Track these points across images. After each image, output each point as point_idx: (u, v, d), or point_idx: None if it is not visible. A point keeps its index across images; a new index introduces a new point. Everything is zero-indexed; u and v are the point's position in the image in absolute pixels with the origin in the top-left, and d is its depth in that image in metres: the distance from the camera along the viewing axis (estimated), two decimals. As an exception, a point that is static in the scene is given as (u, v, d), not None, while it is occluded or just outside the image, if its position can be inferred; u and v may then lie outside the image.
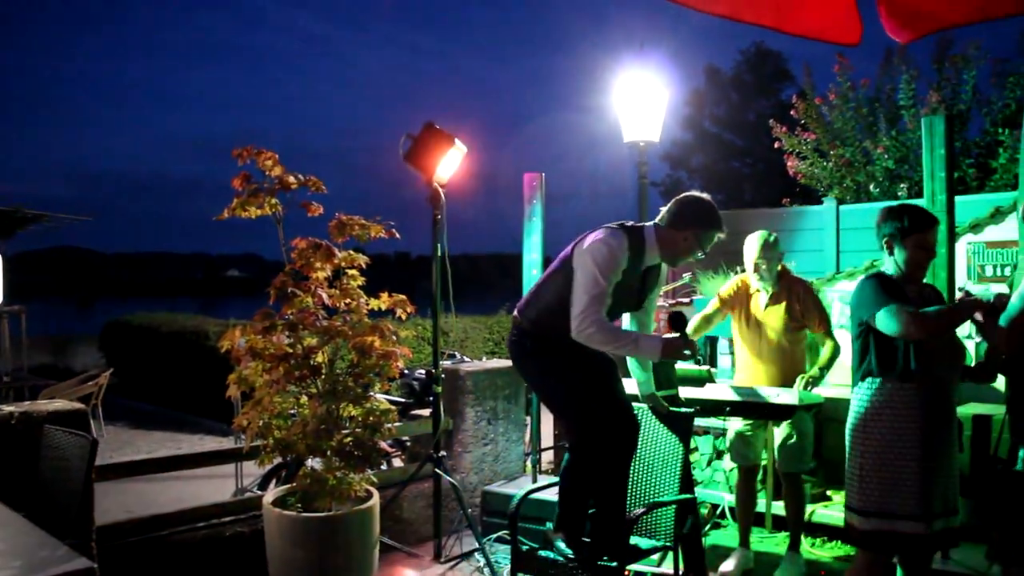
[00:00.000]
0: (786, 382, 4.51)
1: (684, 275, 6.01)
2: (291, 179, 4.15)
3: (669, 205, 3.75)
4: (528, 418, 6.32)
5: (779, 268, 4.64)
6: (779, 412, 4.34)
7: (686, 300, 6.44)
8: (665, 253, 3.72)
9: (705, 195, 3.77)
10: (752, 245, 4.61)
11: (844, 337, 5.29)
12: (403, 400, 7.01)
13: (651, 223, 3.74)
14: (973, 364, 3.86)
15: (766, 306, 4.62)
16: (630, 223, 3.72)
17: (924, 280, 3.51)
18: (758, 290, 4.66)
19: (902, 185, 6.98)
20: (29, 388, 11.00)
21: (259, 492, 6.20)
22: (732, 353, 5.11)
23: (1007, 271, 5.18)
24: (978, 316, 3.27)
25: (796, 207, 7.27)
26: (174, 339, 13.61)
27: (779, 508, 5.08)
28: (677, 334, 3.61)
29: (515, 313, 3.85)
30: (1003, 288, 5.14)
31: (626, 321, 3.99)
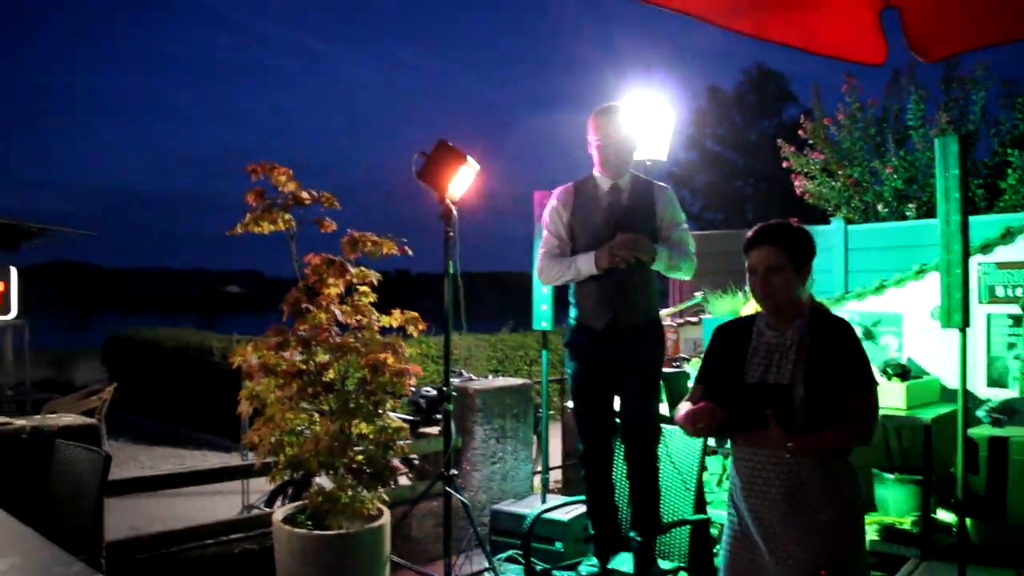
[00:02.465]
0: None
1: (695, 294, 6.00)
2: (304, 195, 4.14)
3: None
4: (536, 437, 6.31)
5: None
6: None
7: (695, 319, 6.43)
8: (600, 166, 3.97)
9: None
10: None
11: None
12: (410, 418, 6.98)
13: None
14: None
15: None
16: None
17: (818, 307, 2.89)
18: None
19: (910, 205, 6.99)
20: (32, 402, 10.96)
21: (266, 509, 6.17)
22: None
23: (1018, 291, 5.17)
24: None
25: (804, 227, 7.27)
26: (177, 354, 13.58)
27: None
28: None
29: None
30: (1015, 308, 5.13)
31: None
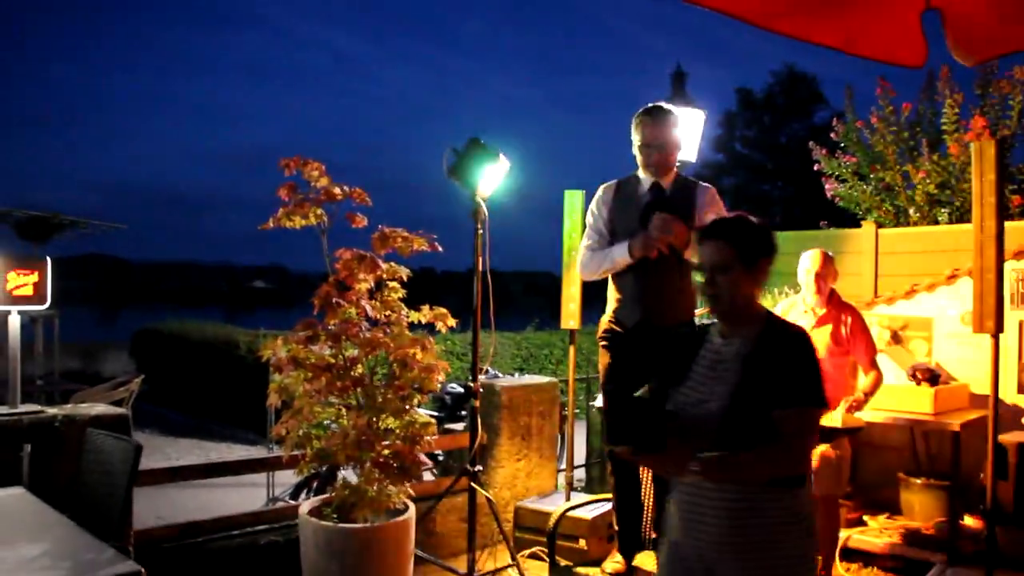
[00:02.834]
0: (831, 405, 4.47)
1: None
2: (337, 190, 4.17)
3: None
4: (560, 435, 6.31)
5: (830, 289, 4.62)
6: (822, 435, 4.30)
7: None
8: (643, 165, 4.02)
9: None
10: (809, 259, 4.61)
11: (886, 362, 5.26)
12: (436, 414, 7.01)
13: None
14: None
15: (812, 328, 4.59)
16: None
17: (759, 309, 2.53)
18: (805, 311, 4.64)
19: (943, 210, 6.92)
20: (60, 392, 11.08)
21: (291, 502, 6.21)
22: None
23: (1051, 298, 5.13)
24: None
25: (835, 230, 7.22)
26: (204, 348, 13.70)
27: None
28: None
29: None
30: None
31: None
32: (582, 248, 4.15)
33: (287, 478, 7.16)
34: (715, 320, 2.51)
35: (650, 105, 4.00)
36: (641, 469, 3.93)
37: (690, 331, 2.66)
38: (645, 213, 3.89)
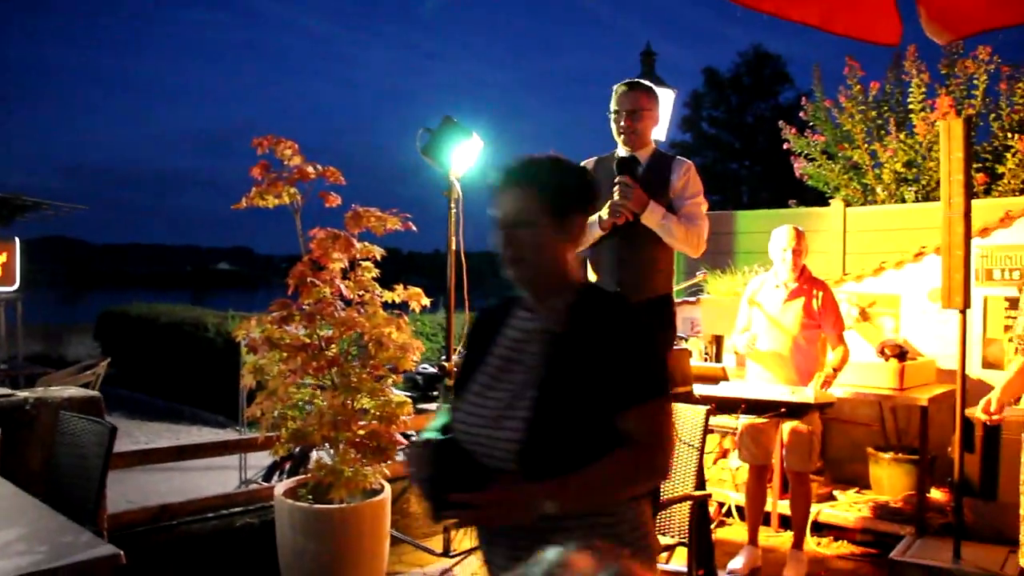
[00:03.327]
0: (801, 380, 4.53)
1: (697, 274, 6.03)
2: (310, 169, 4.14)
3: None
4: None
5: (802, 265, 4.67)
6: (794, 410, 4.36)
7: (693, 299, 6.45)
8: (619, 138, 3.94)
9: None
10: (782, 235, 4.65)
11: (854, 339, 5.33)
12: (408, 394, 6.99)
13: None
14: None
15: (784, 302, 4.64)
16: None
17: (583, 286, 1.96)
18: (777, 286, 4.69)
19: (910, 188, 7.01)
20: (25, 376, 10.93)
21: (264, 484, 6.19)
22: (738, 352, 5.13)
23: (1015, 275, 5.21)
24: None
25: (803, 208, 7.29)
26: (172, 330, 13.58)
27: (785, 507, 5.11)
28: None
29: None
30: (1012, 291, 5.17)
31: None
32: None
33: (259, 460, 7.14)
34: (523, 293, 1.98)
35: (627, 80, 4.00)
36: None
37: (502, 305, 2.06)
38: (614, 178, 3.89)
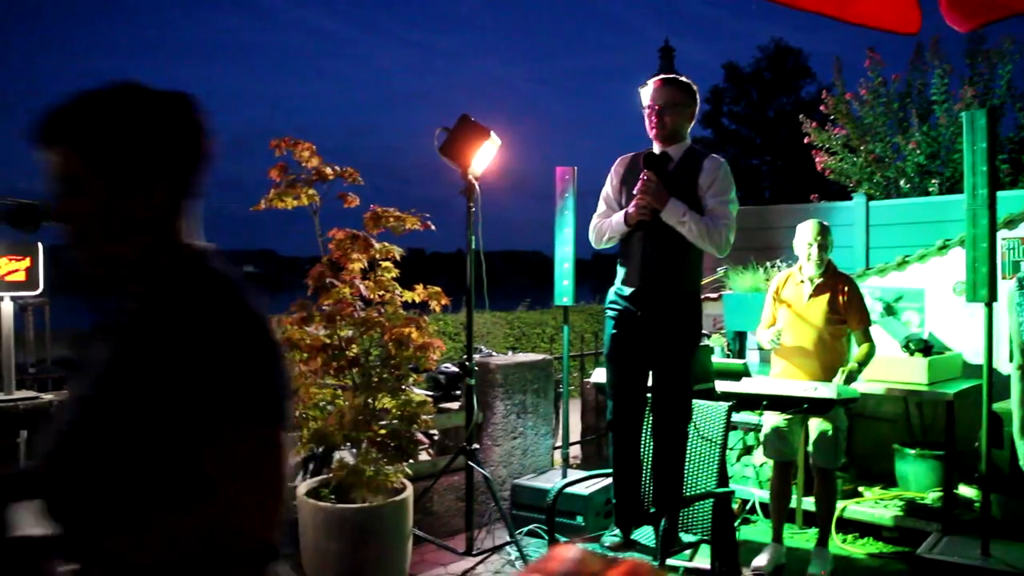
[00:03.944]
0: (825, 376, 4.49)
1: (718, 269, 5.99)
2: (328, 170, 4.15)
3: None
4: (555, 412, 6.32)
5: (827, 259, 4.63)
6: (817, 406, 4.32)
7: (714, 295, 6.42)
8: (652, 134, 3.91)
9: None
10: (807, 230, 4.62)
11: (879, 334, 5.28)
12: (430, 394, 7.00)
13: None
14: None
15: (809, 297, 4.60)
16: None
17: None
18: (802, 281, 4.65)
19: (933, 181, 6.93)
20: (53, 380, 11.03)
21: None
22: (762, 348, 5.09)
23: (1041, 267, 5.15)
24: None
25: (825, 203, 7.22)
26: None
27: (809, 504, 5.06)
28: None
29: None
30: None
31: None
32: (593, 219, 4.11)
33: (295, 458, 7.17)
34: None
35: (659, 75, 4.00)
36: (640, 442, 3.92)
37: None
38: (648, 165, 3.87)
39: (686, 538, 3.85)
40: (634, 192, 3.76)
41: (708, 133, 29.95)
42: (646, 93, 3.94)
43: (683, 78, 3.97)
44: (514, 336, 14.30)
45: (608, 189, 4.07)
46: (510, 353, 6.69)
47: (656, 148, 3.89)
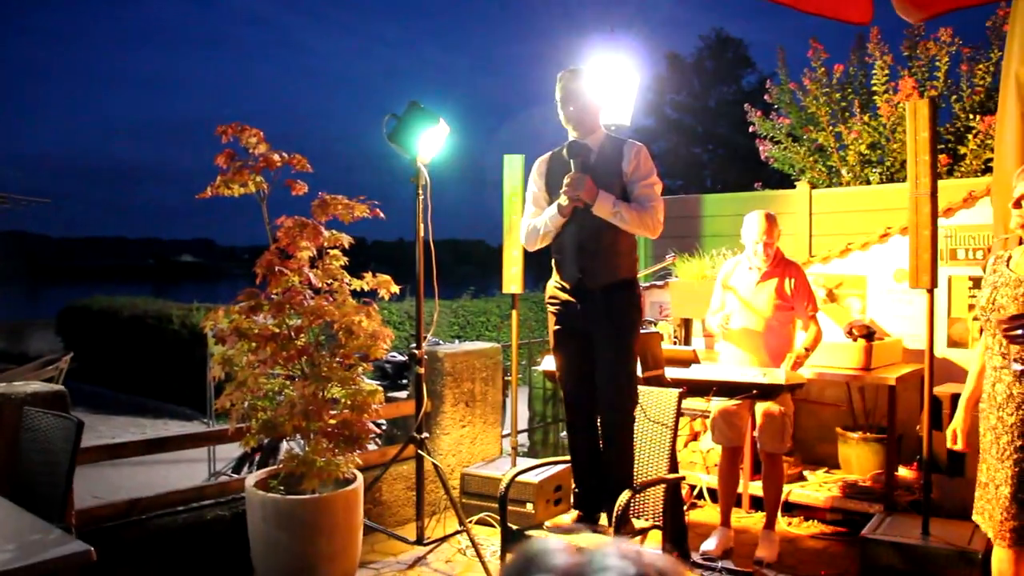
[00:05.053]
0: (773, 361, 4.55)
1: (667, 258, 6.04)
2: (276, 157, 4.07)
3: None
4: (505, 400, 6.33)
5: (776, 248, 4.69)
6: (766, 391, 4.38)
7: (660, 283, 6.47)
8: (565, 125, 3.93)
9: None
10: (753, 223, 4.65)
11: (823, 321, 5.37)
12: (377, 383, 6.96)
13: None
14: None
15: (756, 284, 4.66)
16: None
17: None
18: (750, 268, 4.71)
19: (874, 170, 7.06)
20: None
21: (234, 476, 6.13)
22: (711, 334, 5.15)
23: (979, 254, 5.27)
24: None
25: (768, 191, 7.32)
26: (135, 324, 13.40)
27: (756, 488, 5.15)
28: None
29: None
30: (975, 271, 5.23)
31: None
32: (524, 220, 4.10)
33: (227, 452, 7.07)
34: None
35: (569, 68, 3.97)
36: (595, 428, 3.94)
37: None
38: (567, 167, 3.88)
39: (637, 524, 3.88)
40: (564, 183, 3.76)
41: (651, 122, 30.14)
42: (557, 88, 3.93)
43: (582, 67, 3.97)
44: (459, 324, 14.29)
45: (534, 189, 4.07)
46: (456, 342, 6.68)
47: (574, 138, 3.90)
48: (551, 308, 3.95)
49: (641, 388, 3.98)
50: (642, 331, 4.04)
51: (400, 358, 7.32)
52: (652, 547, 3.98)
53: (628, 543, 0.80)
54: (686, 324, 6.05)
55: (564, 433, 6.35)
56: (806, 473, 5.48)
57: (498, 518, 4.98)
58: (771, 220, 4.66)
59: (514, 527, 4.05)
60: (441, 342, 7.43)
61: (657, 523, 3.88)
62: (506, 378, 6.33)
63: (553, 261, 4.00)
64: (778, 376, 4.32)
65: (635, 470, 3.95)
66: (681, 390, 4.04)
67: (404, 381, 7.22)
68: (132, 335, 13.30)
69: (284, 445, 5.77)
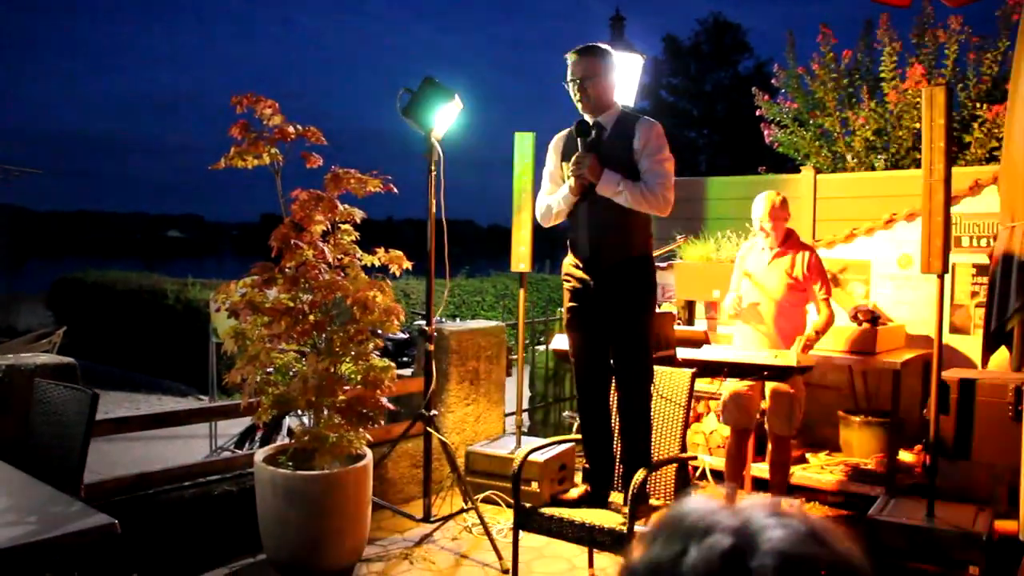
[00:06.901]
0: (784, 343, 4.57)
1: (677, 239, 6.04)
2: (291, 129, 4.04)
3: None
4: (509, 379, 6.33)
5: (786, 229, 4.69)
6: (776, 373, 4.39)
7: (663, 264, 6.47)
8: (581, 105, 3.89)
9: None
10: (760, 206, 4.66)
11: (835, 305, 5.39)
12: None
13: None
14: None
15: (768, 264, 4.67)
16: None
17: None
18: (763, 249, 4.72)
19: (879, 157, 7.05)
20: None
21: (237, 451, 6.12)
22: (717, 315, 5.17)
23: (983, 242, 5.29)
24: None
25: (772, 175, 7.31)
26: (129, 298, 13.34)
27: (760, 469, 5.17)
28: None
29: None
30: (980, 258, 5.25)
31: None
32: (540, 196, 4.10)
33: (226, 429, 7.05)
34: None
35: (581, 45, 3.94)
36: (607, 406, 3.95)
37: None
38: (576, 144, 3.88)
39: (652, 503, 3.90)
40: (570, 166, 3.76)
41: (646, 104, 30.08)
42: (568, 66, 3.91)
43: (596, 45, 3.94)
44: (454, 304, 14.28)
45: (550, 166, 4.07)
46: (456, 320, 6.67)
47: (588, 119, 3.88)
48: (566, 285, 3.94)
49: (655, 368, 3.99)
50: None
51: (402, 336, 7.32)
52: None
53: (780, 501, 0.80)
54: (690, 306, 6.06)
55: (567, 412, 6.39)
56: (808, 455, 5.51)
57: (503, 496, 5.01)
58: (777, 200, 4.67)
59: (527, 505, 4.06)
60: (444, 320, 7.42)
61: (669, 503, 3.89)
62: (510, 357, 6.33)
63: (568, 238, 4.00)
64: (789, 358, 4.33)
65: (653, 448, 3.96)
66: (693, 370, 4.04)
67: (406, 358, 7.22)
68: (126, 310, 13.24)
69: (286, 421, 5.76)
